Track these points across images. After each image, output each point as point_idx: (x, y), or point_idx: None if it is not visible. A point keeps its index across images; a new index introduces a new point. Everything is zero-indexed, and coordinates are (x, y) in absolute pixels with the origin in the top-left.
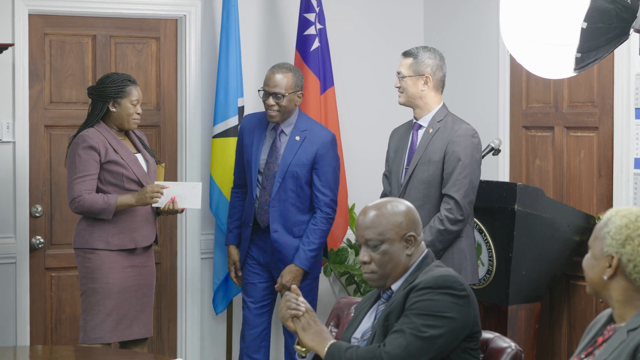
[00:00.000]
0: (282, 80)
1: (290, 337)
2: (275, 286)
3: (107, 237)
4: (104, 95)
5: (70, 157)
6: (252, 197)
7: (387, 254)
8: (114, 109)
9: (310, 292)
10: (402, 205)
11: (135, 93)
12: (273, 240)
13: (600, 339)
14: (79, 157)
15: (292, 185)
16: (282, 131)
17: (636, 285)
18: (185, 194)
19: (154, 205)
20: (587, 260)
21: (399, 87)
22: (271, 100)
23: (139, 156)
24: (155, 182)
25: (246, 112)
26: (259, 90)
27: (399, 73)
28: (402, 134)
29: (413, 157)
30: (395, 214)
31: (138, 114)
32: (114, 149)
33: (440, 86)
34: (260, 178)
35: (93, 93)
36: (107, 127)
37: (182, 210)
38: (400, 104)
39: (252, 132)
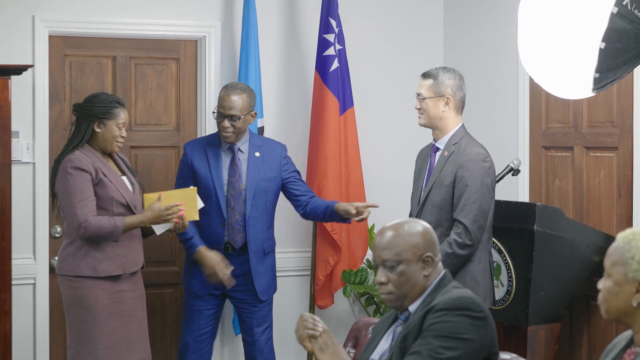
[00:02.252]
0: (238, 102)
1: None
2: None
3: (95, 263)
4: (91, 114)
5: (63, 182)
6: (221, 219)
7: (404, 274)
8: (99, 130)
9: (267, 316)
10: (419, 225)
11: (122, 116)
12: (251, 259)
13: None
14: (73, 181)
15: (263, 201)
16: (239, 149)
17: None
18: (186, 204)
19: (163, 230)
20: (607, 288)
21: (419, 109)
22: (227, 123)
23: (124, 179)
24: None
25: (267, 132)
26: (213, 112)
27: (419, 95)
28: (426, 155)
29: (429, 179)
30: (412, 234)
31: (122, 137)
32: (102, 172)
33: (461, 107)
34: (227, 199)
35: (79, 111)
36: (91, 149)
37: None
38: (421, 125)
39: (203, 156)
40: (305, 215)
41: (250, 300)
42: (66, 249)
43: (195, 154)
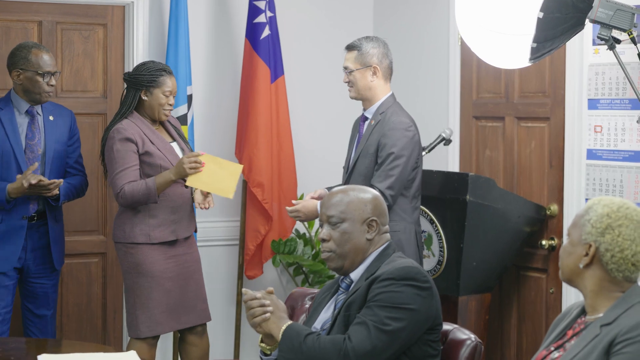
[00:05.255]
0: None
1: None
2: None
3: (149, 230)
4: (137, 82)
5: (108, 152)
6: (8, 206)
7: (346, 233)
8: (146, 98)
9: (57, 288)
10: (370, 192)
11: (168, 83)
12: (50, 228)
13: (570, 332)
14: (117, 151)
15: (61, 166)
16: (37, 112)
17: (611, 276)
18: (221, 176)
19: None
20: (564, 247)
21: (347, 82)
22: (53, 80)
23: (174, 145)
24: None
25: (195, 100)
26: (40, 73)
27: (346, 68)
28: (357, 124)
29: (357, 148)
30: (360, 197)
31: (170, 104)
32: (150, 140)
33: (389, 74)
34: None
35: (127, 80)
36: (140, 117)
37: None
38: (352, 98)
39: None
40: None
41: (45, 272)
42: (120, 216)
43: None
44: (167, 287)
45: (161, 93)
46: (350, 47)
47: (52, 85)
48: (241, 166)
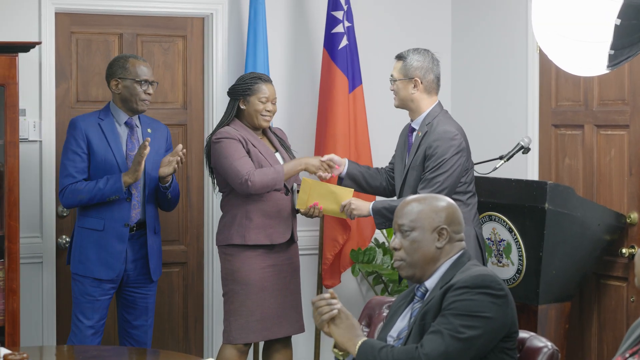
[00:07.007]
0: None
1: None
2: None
3: (244, 232)
4: (235, 93)
5: (217, 153)
6: (124, 195)
7: (415, 242)
8: (244, 107)
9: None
10: (444, 201)
11: (264, 90)
12: (148, 238)
13: None
14: (226, 146)
15: (157, 177)
16: (136, 124)
17: None
18: (330, 199)
19: (296, 207)
20: (639, 254)
21: (393, 90)
22: (151, 89)
23: (277, 155)
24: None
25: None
26: (138, 81)
27: (391, 76)
28: (405, 135)
29: (407, 161)
30: (432, 205)
31: (268, 111)
32: (252, 144)
33: (434, 88)
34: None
35: (228, 91)
36: (242, 125)
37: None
38: (396, 106)
39: (98, 130)
40: None
41: (144, 282)
42: (221, 221)
43: (89, 129)
44: (262, 297)
45: (257, 100)
46: (398, 57)
47: (149, 94)
48: (352, 190)
